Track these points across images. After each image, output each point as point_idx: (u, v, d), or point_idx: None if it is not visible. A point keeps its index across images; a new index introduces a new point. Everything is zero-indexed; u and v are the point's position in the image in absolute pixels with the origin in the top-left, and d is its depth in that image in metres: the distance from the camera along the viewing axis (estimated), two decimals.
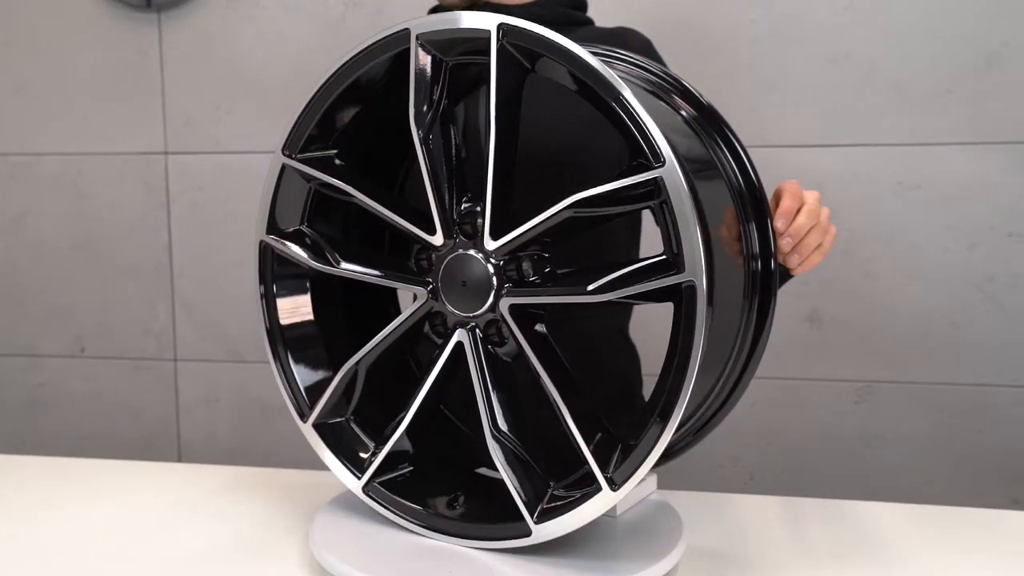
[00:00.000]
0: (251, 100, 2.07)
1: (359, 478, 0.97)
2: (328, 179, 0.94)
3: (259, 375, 2.15)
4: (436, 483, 0.99)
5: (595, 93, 0.80)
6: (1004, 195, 1.83)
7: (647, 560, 0.88)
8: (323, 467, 1.53)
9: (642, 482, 0.97)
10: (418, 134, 0.87)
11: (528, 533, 0.87)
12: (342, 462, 0.98)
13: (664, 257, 0.81)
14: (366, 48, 0.92)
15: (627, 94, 0.78)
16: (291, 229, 0.99)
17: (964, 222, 1.85)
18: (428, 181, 0.87)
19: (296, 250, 0.97)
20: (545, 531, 0.86)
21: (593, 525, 0.92)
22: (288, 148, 0.96)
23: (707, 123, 0.94)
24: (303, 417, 0.99)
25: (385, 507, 0.96)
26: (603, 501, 0.83)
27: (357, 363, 0.96)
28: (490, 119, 0.84)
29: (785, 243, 0.91)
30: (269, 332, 1.01)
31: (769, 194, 0.96)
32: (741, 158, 0.93)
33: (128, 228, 2.16)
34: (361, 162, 1.00)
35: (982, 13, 1.79)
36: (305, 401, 0.99)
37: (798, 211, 0.93)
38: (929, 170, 1.84)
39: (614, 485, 0.82)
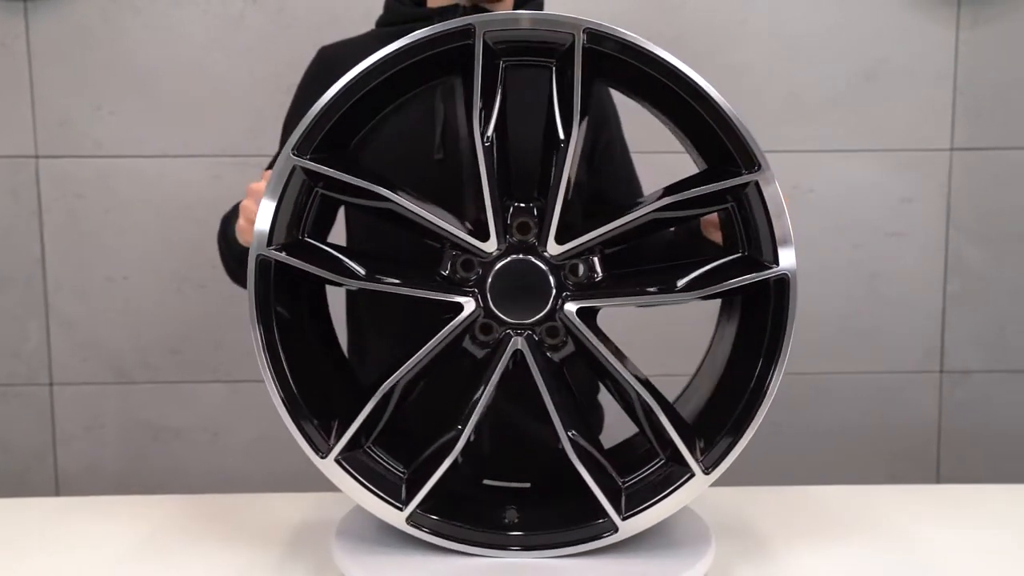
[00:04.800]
0: (138, 100, 1.91)
1: (401, 509, 0.88)
2: (363, 184, 0.86)
3: (149, 396, 1.99)
4: (467, 500, 0.94)
5: (668, 97, 0.82)
6: (884, 198, 2.00)
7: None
8: (256, 488, 1.44)
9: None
10: (480, 137, 0.83)
11: (614, 529, 0.87)
12: (378, 495, 0.88)
13: (740, 255, 0.88)
14: (416, 40, 0.83)
15: (720, 100, 0.82)
16: (290, 241, 0.89)
17: (851, 223, 2.00)
18: (487, 186, 0.84)
19: (310, 265, 0.87)
20: (632, 526, 0.87)
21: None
22: (299, 150, 0.86)
23: None
24: (321, 452, 0.88)
25: (436, 535, 0.89)
26: (696, 486, 0.86)
27: (394, 383, 0.88)
28: (573, 122, 0.82)
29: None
30: (271, 361, 0.88)
31: None
32: None
33: None
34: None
35: (862, 32, 1.95)
36: (320, 434, 0.88)
37: None
38: (820, 175, 1.98)
39: (709, 469, 0.86)
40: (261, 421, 2.02)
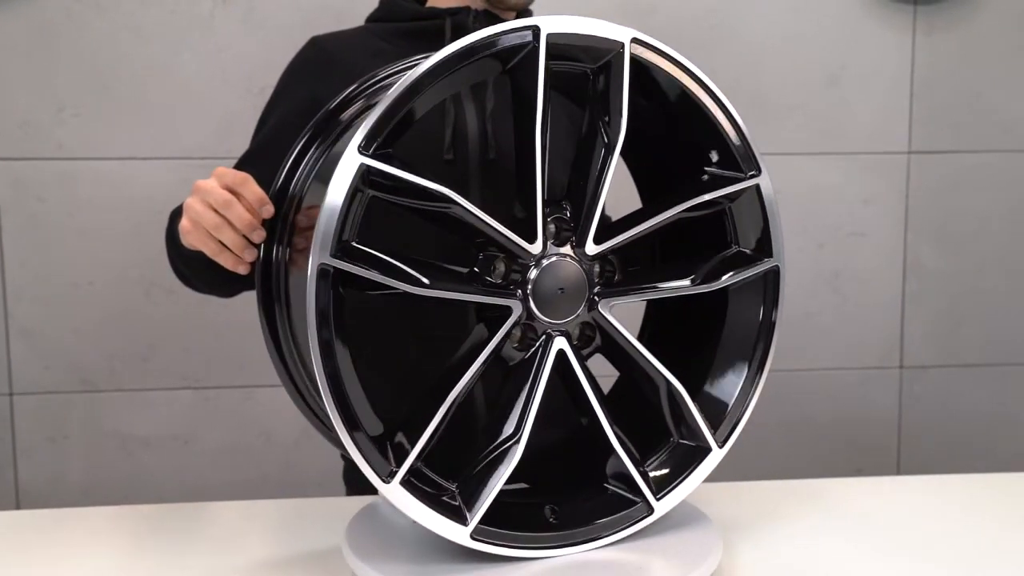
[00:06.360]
0: (103, 101, 1.86)
1: (466, 524, 0.85)
2: (431, 186, 0.82)
3: (116, 405, 1.94)
4: (502, 505, 0.90)
5: (687, 108, 0.88)
6: (846, 199, 2.06)
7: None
8: (230, 496, 1.39)
9: None
10: (540, 139, 0.84)
11: (650, 511, 0.92)
12: (442, 514, 0.84)
13: (736, 250, 0.97)
14: (481, 39, 0.82)
15: (734, 111, 0.91)
16: (342, 247, 0.82)
17: (814, 224, 2.07)
18: (541, 188, 0.84)
19: (377, 273, 0.81)
20: (664, 505, 0.93)
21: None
22: (365, 146, 0.80)
23: None
24: (387, 476, 0.82)
25: (500, 545, 0.87)
26: (713, 461, 0.94)
27: (454, 399, 0.85)
28: (620, 127, 0.86)
29: None
30: (331, 383, 0.80)
31: None
32: None
33: None
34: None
35: (824, 39, 2.01)
36: (381, 458, 0.83)
37: None
38: (785, 177, 2.03)
39: (722, 444, 0.95)
40: (233, 428, 1.99)
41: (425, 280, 0.82)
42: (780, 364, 2.08)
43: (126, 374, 1.94)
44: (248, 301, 1.18)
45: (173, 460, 1.98)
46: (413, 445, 0.82)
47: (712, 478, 1.14)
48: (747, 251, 0.97)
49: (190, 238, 0.97)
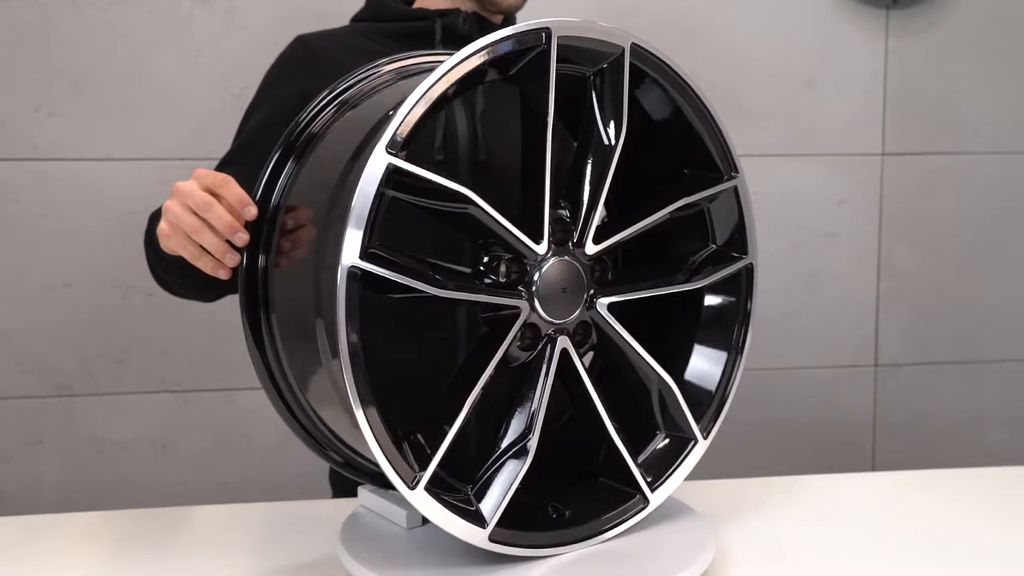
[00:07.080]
0: (80, 100, 1.84)
1: (484, 527, 0.84)
2: (453, 186, 0.81)
3: (94, 409, 1.92)
4: (509, 505, 0.90)
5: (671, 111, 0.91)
6: (822, 200, 2.09)
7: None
8: (209, 501, 1.36)
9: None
10: (552, 143, 0.84)
11: (646, 503, 0.94)
12: (463, 518, 0.84)
13: (715, 248, 1.01)
14: (496, 39, 0.82)
15: (718, 116, 0.94)
16: (363, 249, 0.80)
17: (791, 224, 2.09)
18: (549, 190, 0.85)
19: (404, 277, 0.79)
20: (659, 496, 0.96)
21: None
22: (392, 146, 0.78)
23: None
24: (412, 482, 0.81)
25: (517, 546, 0.86)
26: (699, 451, 0.98)
27: (472, 403, 0.84)
28: (621, 128, 0.88)
29: None
30: (359, 391, 0.78)
31: None
32: None
33: None
34: None
35: (799, 42, 2.04)
36: (405, 464, 0.81)
37: None
38: (762, 178, 2.06)
39: (706, 435, 0.99)
40: (213, 431, 1.97)
41: (440, 279, 0.82)
42: (757, 363, 2.11)
43: (103, 378, 1.92)
44: (227, 303, 1.17)
45: (152, 464, 1.96)
46: (433, 449, 0.82)
47: (692, 476, 1.17)
48: (724, 249, 1.01)
49: (169, 242, 0.94)
